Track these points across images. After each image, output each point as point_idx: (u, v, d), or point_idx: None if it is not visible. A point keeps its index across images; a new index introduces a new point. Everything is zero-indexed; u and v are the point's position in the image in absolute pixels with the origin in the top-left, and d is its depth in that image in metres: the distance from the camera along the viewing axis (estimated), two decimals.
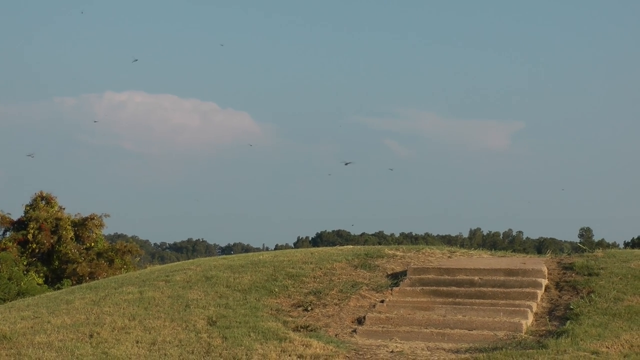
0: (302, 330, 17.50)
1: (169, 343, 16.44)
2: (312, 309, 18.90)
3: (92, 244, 58.60)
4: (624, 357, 14.75)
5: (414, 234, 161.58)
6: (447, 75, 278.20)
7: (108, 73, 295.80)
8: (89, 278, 52.42)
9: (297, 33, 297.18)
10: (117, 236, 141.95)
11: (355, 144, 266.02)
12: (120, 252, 58.48)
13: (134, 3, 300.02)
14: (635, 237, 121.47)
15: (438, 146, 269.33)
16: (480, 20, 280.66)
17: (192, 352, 15.89)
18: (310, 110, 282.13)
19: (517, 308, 17.95)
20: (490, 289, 19.16)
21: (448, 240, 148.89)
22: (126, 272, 53.14)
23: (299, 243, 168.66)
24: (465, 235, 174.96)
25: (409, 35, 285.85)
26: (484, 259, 22.26)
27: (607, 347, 15.25)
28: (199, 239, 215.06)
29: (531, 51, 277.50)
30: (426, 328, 17.52)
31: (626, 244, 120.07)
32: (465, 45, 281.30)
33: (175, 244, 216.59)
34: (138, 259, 65.14)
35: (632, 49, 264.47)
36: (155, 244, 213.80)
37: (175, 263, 27.16)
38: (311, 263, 22.12)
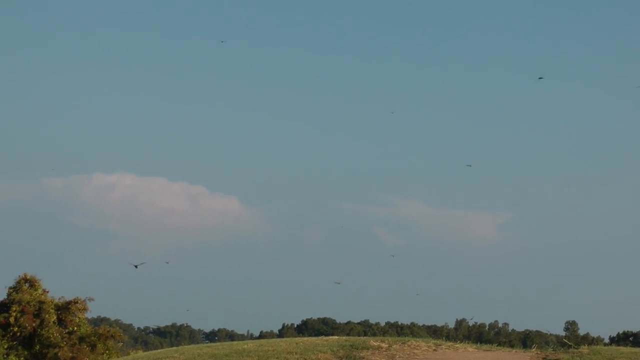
0: None
1: None
2: None
3: (75, 328, 58.05)
4: None
5: (399, 323, 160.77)
6: (437, 164, 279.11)
7: (97, 154, 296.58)
8: None
9: (286, 118, 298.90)
10: (101, 319, 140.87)
11: (344, 230, 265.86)
12: (103, 337, 57.93)
13: (124, 88, 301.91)
14: (621, 331, 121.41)
15: (426, 235, 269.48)
16: (470, 110, 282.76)
17: None
18: (299, 195, 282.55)
19: None
20: None
21: (434, 331, 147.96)
22: (109, 357, 52.68)
23: (284, 330, 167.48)
24: (451, 325, 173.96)
25: (401, 124, 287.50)
26: (469, 353, 22.15)
27: None
28: (183, 324, 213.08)
29: (521, 143, 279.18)
30: None
31: (612, 339, 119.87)
32: (456, 135, 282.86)
33: (159, 328, 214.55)
34: (121, 344, 64.57)
35: (613, 143, 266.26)
36: (138, 328, 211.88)
37: (159, 350, 26.97)
38: (296, 353, 21.98)
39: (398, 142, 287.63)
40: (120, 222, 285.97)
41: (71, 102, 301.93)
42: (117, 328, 63.25)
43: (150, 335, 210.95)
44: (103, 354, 55.79)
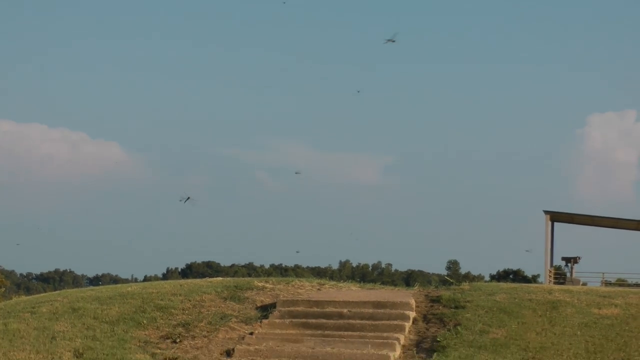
0: None
1: None
2: (180, 341, 18.83)
3: None
4: None
5: (284, 266, 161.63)
6: (317, 107, 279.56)
7: None
8: None
9: (170, 60, 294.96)
10: None
11: (226, 176, 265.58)
12: None
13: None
14: (501, 269, 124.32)
15: (309, 179, 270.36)
16: (350, 50, 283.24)
17: None
18: (179, 140, 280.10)
19: (385, 340, 18.14)
20: (358, 321, 19.32)
21: (318, 272, 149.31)
22: None
23: (168, 274, 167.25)
24: (335, 267, 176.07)
25: (280, 63, 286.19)
26: (352, 292, 22.43)
27: None
28: (66, 270, 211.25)
29: (401, 86, 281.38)
30: None
31: (492, 277, 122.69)
32: (336, 75, 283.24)
33: (42, 274, 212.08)
34: (3, 289, 63.74)
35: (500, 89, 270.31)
36: (21, 274, 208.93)
37: (42, 294, 26.71)
38: (180, 295, 21.99)
39: (279, 86, 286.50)
40: None
41: None
42: None
43: (33, 281, 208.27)
44: None
